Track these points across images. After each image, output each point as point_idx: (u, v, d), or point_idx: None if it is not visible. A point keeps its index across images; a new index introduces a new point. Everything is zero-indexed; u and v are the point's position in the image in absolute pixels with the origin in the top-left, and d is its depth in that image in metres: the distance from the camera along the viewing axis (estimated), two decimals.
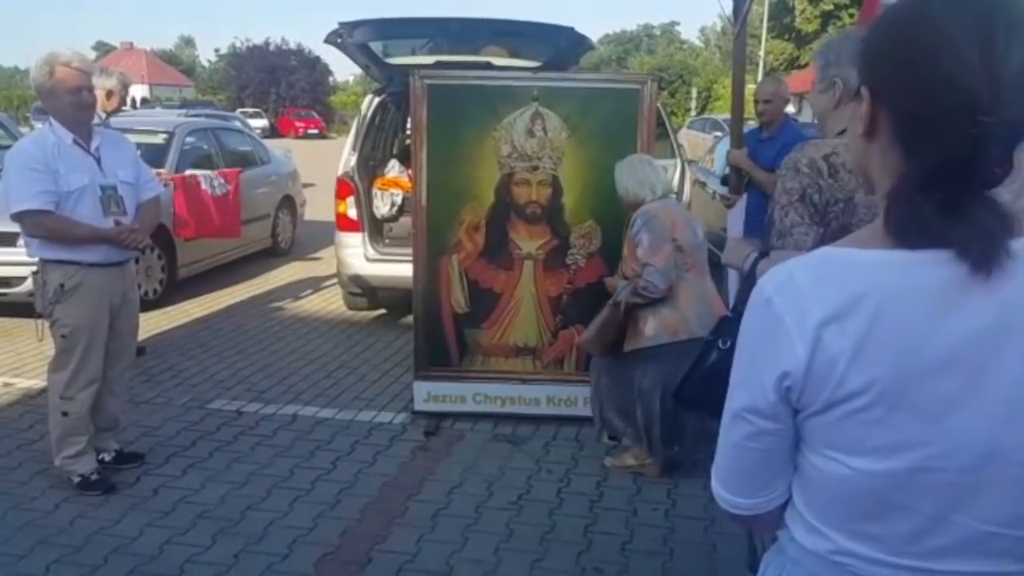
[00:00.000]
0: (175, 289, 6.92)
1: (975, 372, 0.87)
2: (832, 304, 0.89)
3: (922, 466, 0.90)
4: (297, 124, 41.34)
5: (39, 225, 3.30)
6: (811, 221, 2.07)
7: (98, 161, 3.42)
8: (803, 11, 37.81)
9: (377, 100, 6.36)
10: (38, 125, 3.41)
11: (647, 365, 3.55)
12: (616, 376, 3.73)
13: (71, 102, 3.31)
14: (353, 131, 6.41)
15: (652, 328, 3.51)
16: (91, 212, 3.36)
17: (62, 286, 3.34)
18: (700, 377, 2.23)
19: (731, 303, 2.64)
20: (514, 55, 6.02)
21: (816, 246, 2.03)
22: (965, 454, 0.89)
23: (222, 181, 6.93)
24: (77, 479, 3.49)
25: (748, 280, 2.27)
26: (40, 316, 3.48)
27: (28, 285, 3.79)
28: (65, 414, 3.44)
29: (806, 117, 21.82)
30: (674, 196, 3.81)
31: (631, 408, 3.68)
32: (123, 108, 5.92)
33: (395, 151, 7.22)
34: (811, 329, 0.90)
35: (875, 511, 0.94)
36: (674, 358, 3.21)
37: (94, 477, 3.50)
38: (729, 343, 2.15)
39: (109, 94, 5.09)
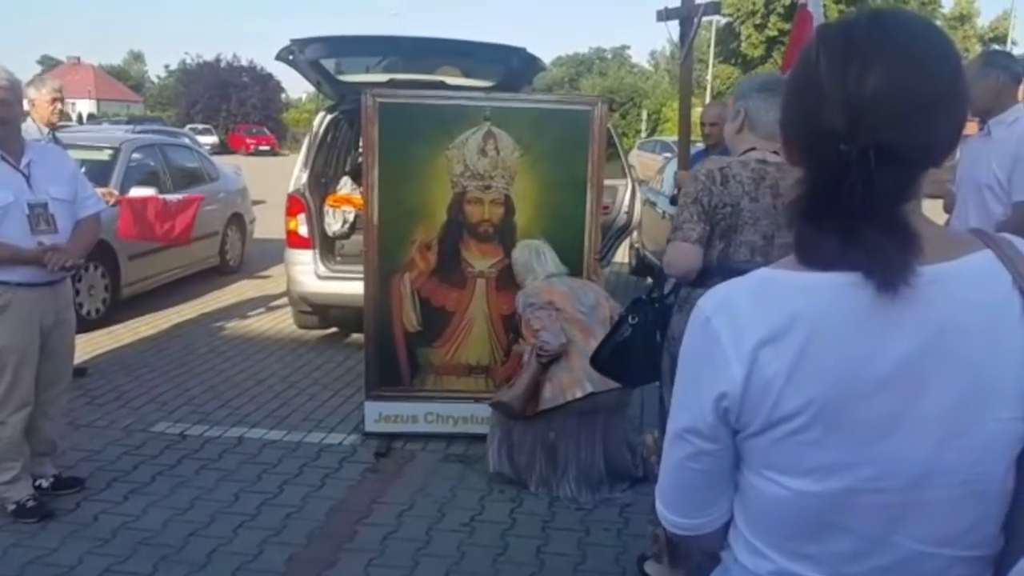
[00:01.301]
0: (120, 308, 6.75)
1: (909, 394, 0.88)
2: (768, 325, 0.90)
3: (859, 487, 0.90)
4: (248, 141, 40.85)
5: None
6: (698, 219, 2.49)
7: (27, 178, 3.31)
8: (748, 37, 38.79)
9: (329, 117, 6.31)
10: None
11: (555, 434, 3.74)
12: (521, 433, 3.82)
13: None
14: (305, 148, 6.34)
15: (549, 391, 3.70)
16: (16, 230, 3.25)
17: None
18: (612, 348, 2.83)
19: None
20: (467, 75, 6.04)
21: (700, 240, 2.50)
22: (901, 475, 0.90)
23: (178, 198, 6.70)
24: (12, 506, 3.35)
25: (660, 272, 2.79)
26: None
27: None
28: None
29: None
30: (563, 276, 4.05)
31: (537, 459, 3.80)
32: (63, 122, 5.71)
33: (347, 168, 7.17)
34: (747, 350, 0.90)
35: (813, 532, 0.94)
36: (576, 419, 3.69)
37: (30, 504, 3.38)
38: (638, 319, 2.76)
39: (53, 101, 4.96)
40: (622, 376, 3.03)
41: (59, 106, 5.10)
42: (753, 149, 2.57)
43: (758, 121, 2.56)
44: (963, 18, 45.65)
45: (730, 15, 39.75)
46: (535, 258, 4.05)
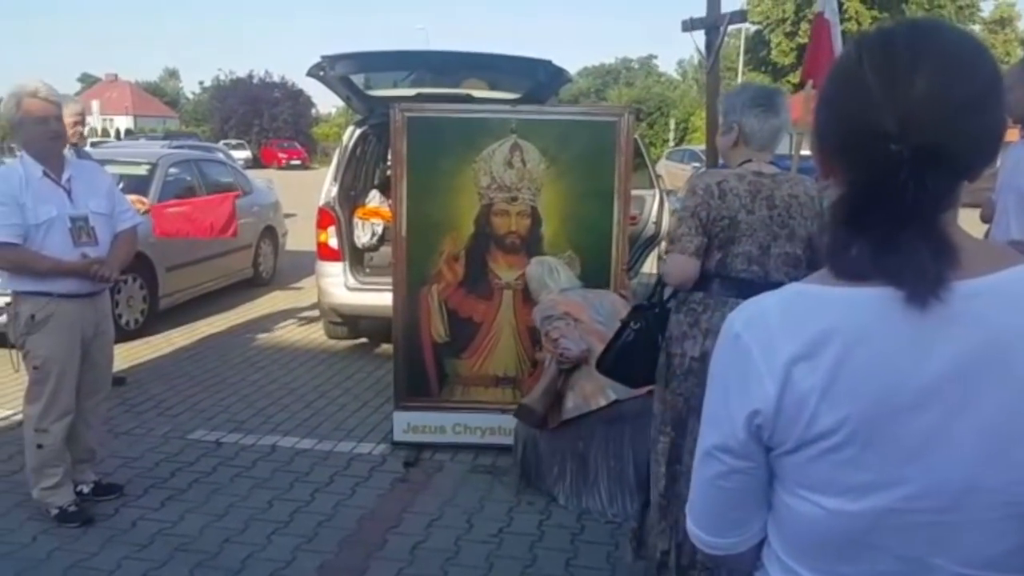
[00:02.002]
0: (157, 319, 6.90)
1: (950, 410, 0.85)
2: (801, 341, 0.88)
3: (897, 507, 0.88)
4: (280, 155, 41.46)
5: (3, 258, 3.32)
6: (696, 232, 2.58)
7: (68, 192, 3.42)
8: (779, 44, 38.52)
9: (358, 131, 6.41)
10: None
11: (584, 443, 3.75)
12: (549, 444, 3.85)
13: (39, 132, 3.33)
14: (335, 162, 6.45)
15: (572, 400, 3.72)
16: (60, 244, 3.36)
17: (33, 317, 3.34)
18: (616, 352, 2.94)
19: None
20: (493, 87, 6.11)
21: (697, 252, 2.59)
22: (940, 495, 0.87)
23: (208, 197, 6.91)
24: (55, 511, 3.46)
25: (658, 280, 2.89)
26: (14, 347, 3.48)
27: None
28: (40, 446, 3.42)
29: (782, 148, 22.03)
30: (577, 288, 4.09)
31: (567, 470, 3.81)
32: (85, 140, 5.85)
33: (376, 181, 7.27)
34: (780, 366, 0.89)
35: (849, 553, 0.92)
36: (604, 428, 3.69)
37: (72, 509, 3.48)
38: (640, 324, 2.85)
39: (75, 124, 5.10)
40: (626, 378, 3.13)
41: (80, 128, 5.25)
42: (749, 161, 2.67)
43: (753, 135, 2.66)
44: (1003, 22, 44.88)
45: (759, 23, 39.52)
46: (548, 274, 4.08)
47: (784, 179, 2.68)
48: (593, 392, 3.67)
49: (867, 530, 0.90)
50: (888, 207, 0.86)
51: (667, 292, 2.90)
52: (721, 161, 2.88)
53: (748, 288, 2.49)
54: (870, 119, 0.87)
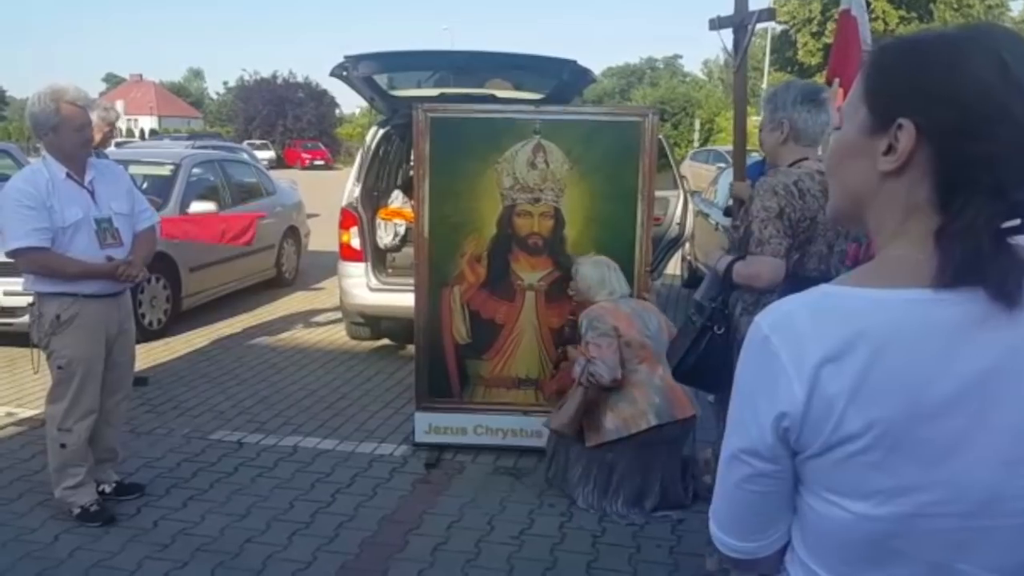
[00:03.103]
0: (180, 319, 6.94)
1: (978, 414, 0.85)
2: (830, 343, 0.87)
3: (923, 511, 0.87)
4: (303, 155, 41.72)
5: (34, 262, 3.33)
6: (784, 234, 2.55)
7: (92, 194, 3.44)
8: (805, 44, 38.17)
9: (381, 132, 6.41)
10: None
11: (613, 456, 3.70)
12: (579, 451, 3.79)
13: (76, 139, 3.34)
14: (357, 162, 6.45)
15: (612, 422, 3.66)
16: (87, 245, 3.38)
17: (58, 317, 3.35)
18: (695, 358, 2.79)
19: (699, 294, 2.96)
20: (517, 88, 6.08)
21: (787, 254, 2.54)
22: (967, 499, 0.86)
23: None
24: (77, 510, 3.47)
25: (725, 280, 2.76)
26: (37, 347, 3.49)
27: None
28: (63, 446, 3.44)
29: None
30: (627, 297, 3.98)
31: (592, 478, 3.76)
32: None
33: (399, 182, 7.26)
34: (809, 368, 0.87)
35: (875, 557, 0.91)
36: (636, 447, 3.64)
37: (94, 508, 3.49)
38: (723, 328, 2.72)
39: (109, 129, 5.15)
40: (705, 384, 3.05)
41: (110, 133, 5.28)
42: (805, 159, 2.65)
43: (804, 131, 2.65)
44: None
45: (786, 23, 39.18)
46: (604, 278, 3.93)
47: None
48: (634, 416, 3.62)
49: (892, 535, 0.89)
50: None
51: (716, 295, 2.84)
52: (766, 161, 2.83)
53: (814, 286, 2.48)
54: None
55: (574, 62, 5.28)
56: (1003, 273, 0.84)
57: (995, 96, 0.85)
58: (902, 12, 35.30)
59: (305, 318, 7.61)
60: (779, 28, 39.52)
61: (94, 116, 5.12)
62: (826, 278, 2.61)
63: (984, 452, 0.85)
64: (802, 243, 2.59)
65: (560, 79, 5.53)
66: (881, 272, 0.91)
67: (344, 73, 5.53)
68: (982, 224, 0.85)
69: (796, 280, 2.60)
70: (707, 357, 2.82)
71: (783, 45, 40.57)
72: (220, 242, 6.65)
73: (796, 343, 0.89)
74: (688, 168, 19.52)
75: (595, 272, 3.96)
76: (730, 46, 4.65)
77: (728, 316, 2.80)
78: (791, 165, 2.66)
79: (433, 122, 4.15)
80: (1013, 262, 0.84)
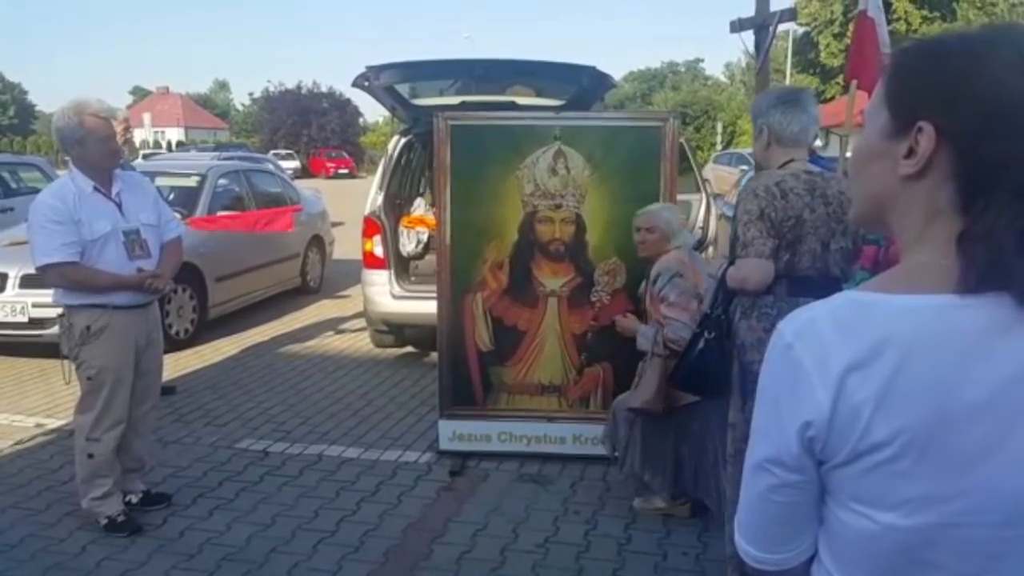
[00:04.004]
0: (206, 328, 7.01)
1: (1008, 421, 0.83)
2: (856, 350, 0.85)
3: (953, 521, 0.85)
4: (328, 164, 42.04)
5: (63, 276, 3.38)
6: (767, 235, 2.59)
7: (119, 206, 3.48)
8: (827, 46, 37.80)
9: (403, 140, 6.44)
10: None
11: (686, 420, 3.55)
12: (651, 429, 3.64)
13: (101, 151, 3.39)
14: (380, 171, 6.50)
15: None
16: (116, 257, 3.42)
17: (88, 328, 3.39)
18: (691, 364, 2.90)
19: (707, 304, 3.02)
20: (538, 94, 6.08)
21: (772, 254, 2.59)
22: (997, 509, 0.84)
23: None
24: (104, 521, 3.50)
25: (720, 285, 2.85)
26: (67, 358, 3.54)
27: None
28: (91, 456, 3.47)
29: (833, 151, 21.68)
30: (691, 247, 3.85)
31: (665, 459, 3.64)
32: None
33: (421, 189, 7.29)
34: (834, 376, 0.86)
35: (903, 569, 0.89)
36: (712, 410, 3.37)
37: (120, 519, 3.52)
38: (714, 334, 2.81)
39: (125, 130, 5.23)
40: (702, 389, 3.09)
41: (128, 136, 5.38)
42: (791, 161, 2.71)
43: (782, 132, 2.72)
44: None
45: (807, 25, 38.89)
46: (676, 222, 3.74)
47: (830, 177, 2.75)
48: None
49: (922, 546, 0.87)
50: None
51: (717, 300, 2.89)
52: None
53: (814, 286, 2.59)
54: None
55: (593, 68, 5.28)
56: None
57: (1014, 96, 0.84)
58: (925, 12, 34.83)
59: (331, 326, 7.65)
60: (801, 30, 39.22)
61: (124, 115, 5.24)
62: (825, 276, 2.61)
63: (1015, 460, 0.83)
64: (791, 242, 2.61)
65: (580, 85, 5.53)
66: (906, 278, 0.89)
67: (366, 83, 5.57)
68: (1004, 226, 0.83)
69: (791, 280, 2.65)
70: (703, 363, 2.88)
71: (805, 47, 40.21)
72: (254, 230, 6.86)
73: (820, 350, 0.87)
74: (711, 171, 19.43)
75: (669, 216, 3.71)
76: (751, 48, 4.63)
77: (724, 322, 2.82)
78: (780, 168, 2.72)
79: (454, 130, 4.16)
80: None
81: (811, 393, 0.87)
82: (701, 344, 2.87)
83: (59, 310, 3.53)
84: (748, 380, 2.64)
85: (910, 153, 0.89)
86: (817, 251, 2.64)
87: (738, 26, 4.50)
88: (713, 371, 2.86)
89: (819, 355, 0.87)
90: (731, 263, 2.75)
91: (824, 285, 2.61)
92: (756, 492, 0.97)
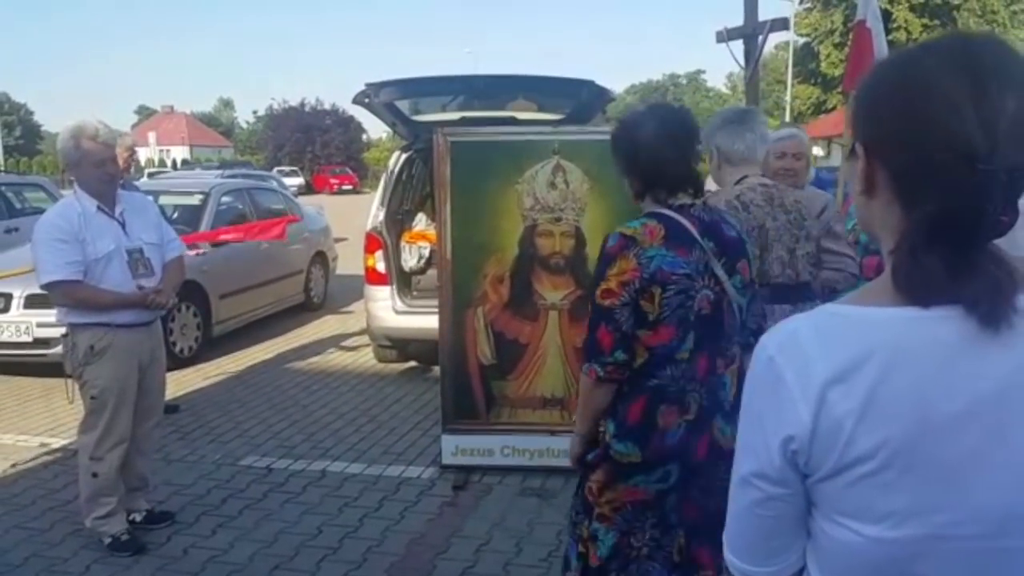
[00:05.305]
0: (210, 346, 7.03)
1: (992, 431, 0.83)
2: (837, 363, 0.86)
3: (939, 533, 0.85)
4: (332, 181, 42.25)
5: (68, 295, 3.40)
6: None
7: (123, 225, 3.51)
8: (828, 56, 37.91)
9: (404, 156, 6.47)
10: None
11: None
12: None
13: (97, 175, 3.43)
14: (381, 186, 6.53)
15: None
16: (120, 276, 3.44)
17: (92, 348, 3.41)
18: None
19: None
20: (538, 109, 6.11)
21: None
22: (984, 521, 0.84)
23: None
24: (108, 540, 3.51)
25: None
26: (70, 377, 3.55)
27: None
28: (95, 475, 3.48)
29: (835, 160, 21.71)
30: None
31: None
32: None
33: (423, 205, 7.32)
34: (815, 390, 0.86)
35: None
36: None
37: (124, 538, 3.52)
38: None
39: (128, 157, 5.28)
40: None
41: (131, 161, 5.44)
42: (745, 177, 2.82)
43: (729, 151, 2.83)
44: None
45: (808, 35, 39.00)
46: None
47: (783, 187, 2.88)
48: None
49: (909, 558, 0.86)
50: (968, 231, 0.83)
51: None
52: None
53: (786, 292, 2.74)
54: (957, 137, 0.82)
55: (591, 82, 5.31)
56: (976, 290, 0.83)
57: (914, 107, 0.86)
58: (925, 20, 34.91)
59: (334, 342, 7.66)
60: (801, 40, 39.34)
61: (128, 141, 5.28)
62: (795, 281, 2.72)
63: (1000, 469, 0.84)
64: (759, 251, 2.71)
65: (578, 99, 5.56)
66: (884, 290, 0.90)
67: (366, 100, 5.61)
68: (922, 240, 0.85)
69: (764, 288, 2.69)
70: None
71: (805, 57, 40.32)
72: (250, 238, 7.02)
73: (801, 363, 0.88)
74: (712, 182, 19.38)
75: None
76: (741, 58, 4.65)
77: None
78: (736, 184, 2.82)
79: (453, 146, 4.19)
80: (987, 279, 0.82)
81: (793, 407, 0.88)
82: None
83: (63, 330, 3.55)
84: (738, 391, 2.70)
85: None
86: (785, 258, 2.75)
87: (725, 36, 4.51)
88: None
89: (800, 368, 0.88)
90: None
91: (796, 289, 2.77)
92: (742, 506, 0.98)
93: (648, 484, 2.18)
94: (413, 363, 6.62)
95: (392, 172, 6.43)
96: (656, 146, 2.16)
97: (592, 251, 4.20)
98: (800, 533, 0.97)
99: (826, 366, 0.86)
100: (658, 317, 2.08)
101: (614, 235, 2.19)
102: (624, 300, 2.08)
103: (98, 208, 3.46)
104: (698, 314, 2.09)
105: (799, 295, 2.77)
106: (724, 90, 71.20)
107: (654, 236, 2.11)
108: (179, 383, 5.97)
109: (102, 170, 3.43)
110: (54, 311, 3.66)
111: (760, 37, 4.25)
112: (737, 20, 5.29)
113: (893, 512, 0.86)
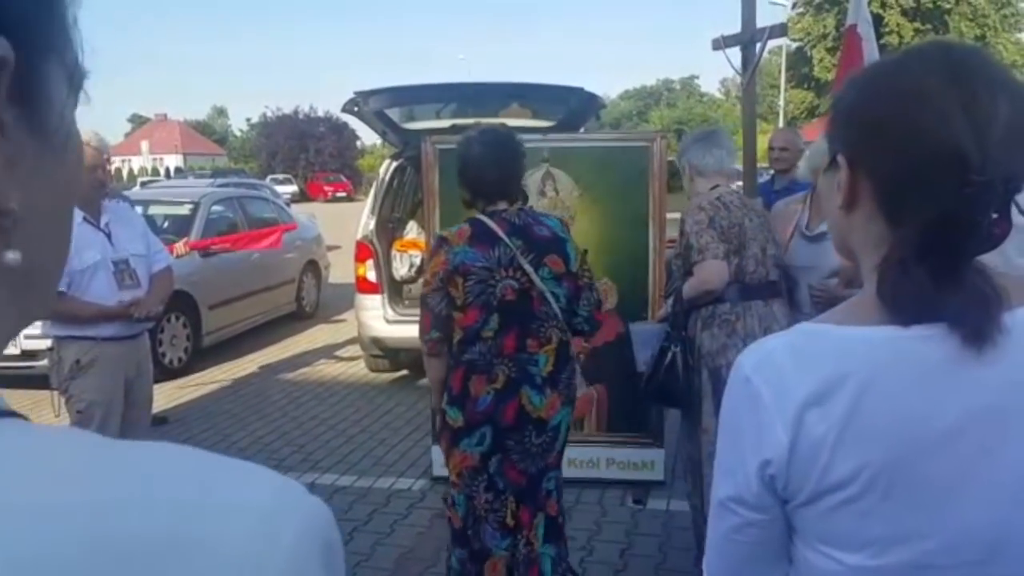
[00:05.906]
0: (201, 356, 6.98)
1: (975, 454, 0.80)
2: (814, 383, 0.82)
3: (923, 561, 0.82)
4: (326, 188, 42.17)
5: None
6: (718, 240, 2.86)
7: (108, 236, 3.47)
8: (821, 60, 38.07)
9: (395, 164, 6.44)
10: None
11: None
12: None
13: (88, 181, 3.38)
14: (372, 195, 6.49)
15: None
16: (105, 287, 3.40)
17: (78, 362, 3.37)
18: (662, 378, 3.02)
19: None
20: (528, 116, 6.09)
21: (726, 256, 2.84)
22: (971, 546, 0.81)
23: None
24: None
25: (676, 303, 3.08)
26: (56, 391, 3.51)
27: None
28: None
29: None
30: None
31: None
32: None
33: (414, 213, 7.29)
34: (793, 411, 0.83)
35: None
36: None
37: None
38: (679, 346, 3.00)
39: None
40: (673, 401, 3.22)
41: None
42: (717, 186, 3.06)
43: (700, 164, 3.11)
44: None
45: (800, 39, 39.14)
46: None
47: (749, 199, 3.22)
48: None
49: None
50: (961, 243, 0.80)
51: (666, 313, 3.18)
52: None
53: (758, 290, 2.94)
54: (949, 148, 0.78)
55: (581, 89, 5.30)
56: (961, 307, 0.79)
57: (902, 115, 0.83)
58: (917, 24, 35.09)
59: (325, 351, 7.62)
60: (794, 45, 39.48)
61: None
62: (766, 279, 2.89)
63: (985, 493, 0.80)
64: (737, 248, 2.89)
65: (569, 106, 5.54)
66: (861, 308, 0.87)
67: (355, 109, 5.59)
68: (912, 253, 0.82)
69: (741, 285, 2.93)
70: (671, 376, 3.05)
71: (799, 61, 40.47)
72: (243, 247, 7.00)
73: (778, 383, 0.85)
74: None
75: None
76: (738, 65, 4.63)
77: (685, 338, 3.02)
78: (712, 190, 3.07)
79: (442, 154, 4.15)
80: (974, 295, 0.79)
81: (770, 429, 0.85)
82: (669, 358, 3.03)
83: (49, 343, 3.51)
84: (719, 383, 2.79)
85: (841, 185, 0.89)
86: (759, 256, 2.93)
87: (722, 43, 4.49)
88: (678, 383, 3.04)
89: (777, 388, 0.85)
90: (687, 274, 2.99)
91: (768, 287, 2.95)
92: (720, 532, 0.94)
93: (471, 448, 2.57)
94: (405, 372, 6.57)
95: (383, 180, 6.40)
96: (479, 165, 2.58)
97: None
98: (780, 560, 0.93)
99: (803, 386, 0.83)
100: (465, 302, 2.51)
101: (435, 237, 2.70)
102: (435, 287, 2.54)
103: (84, 219, 3.42)
104: (501, 300, 2.50)
105: (771, 293, 2.97)
106: (717, 95, 71.39)
107: (462, 236, 2.54)
108: (168, 395, 5.92)
109: (93, 176, 3.39)
110: (40, 323, 3.61)
111: (758, 44, 4.23)
112: (731, 23, 5.30)
113: (875, 539, 0.83)
